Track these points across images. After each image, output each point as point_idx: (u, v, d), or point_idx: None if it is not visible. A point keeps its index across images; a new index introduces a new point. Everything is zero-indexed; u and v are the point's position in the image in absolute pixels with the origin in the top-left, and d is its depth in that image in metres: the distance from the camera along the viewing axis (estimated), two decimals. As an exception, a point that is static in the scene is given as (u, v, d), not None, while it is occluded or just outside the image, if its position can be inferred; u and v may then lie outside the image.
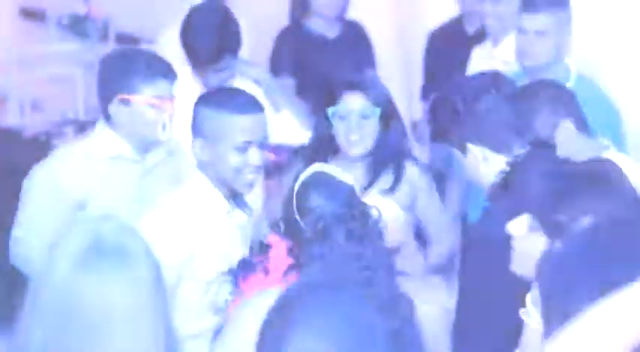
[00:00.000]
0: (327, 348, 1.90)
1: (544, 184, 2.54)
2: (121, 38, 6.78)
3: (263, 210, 4.18)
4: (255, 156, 3.30)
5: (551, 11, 4.12)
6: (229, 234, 3.36)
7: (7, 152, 5.24)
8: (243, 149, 3.29)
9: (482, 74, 3.50)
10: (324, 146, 3.90)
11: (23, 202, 3.70)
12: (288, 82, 5.18)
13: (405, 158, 3.95)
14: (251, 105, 3.34)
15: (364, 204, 3.09)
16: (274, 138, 4.50)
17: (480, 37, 5.05)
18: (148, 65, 3.66)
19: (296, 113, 4.45)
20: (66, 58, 6.88)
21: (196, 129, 3.34)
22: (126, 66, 3.67)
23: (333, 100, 3.89)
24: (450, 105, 3.22)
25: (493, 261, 2.78)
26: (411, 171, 3.92)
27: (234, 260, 3.31)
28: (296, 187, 3.14)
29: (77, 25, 6.94)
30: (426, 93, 5.56)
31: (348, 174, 3.22)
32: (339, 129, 3.85)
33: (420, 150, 5.32)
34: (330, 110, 3.88)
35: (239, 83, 4.20)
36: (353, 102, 3.85)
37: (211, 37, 4.25)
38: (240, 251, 3.36)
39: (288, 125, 4.44)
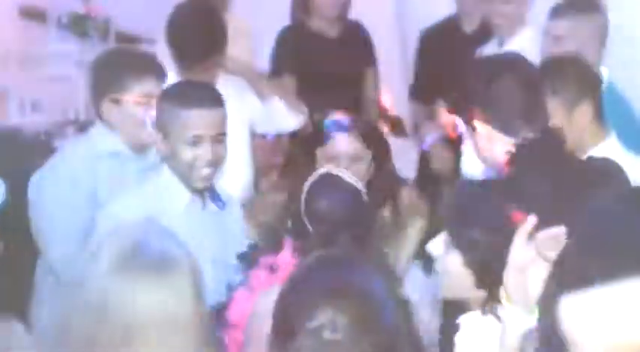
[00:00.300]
0: (345, 319, 1.94)
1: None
2: (121, 38, 6.77)
3: (250, 206, 4.15)
4: (207, 150, 3.28)
5: (571, 17, 4.03)
6: (196, 225, 3.33)
7: (7, 152, 5.23)
8: (193, 143, 3.27)
9: (502, 55, 3.44)
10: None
11: (44, 202, 3.66)
12: (289, 81, 5.18)
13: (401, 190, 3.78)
14: (202, 99, 3.30)
15: (370, 208, 3.09)
16: (265, 128, 4.52)
17: (479, 36, 5.04)
18: (137, 64, 3.69)
19: (286, 104, 4.46)
20: (66, 58, 6.87)
21: (157, 124, 3.36)
22: (115, 65, 3.71)
23: (321, 140, 3.67)
24: (466, 83, 3.16)
25: None
26: (408, 196, 3.85)
27: (202, 251, 3.31)
28: (304, 189, 3.14)
29: (77, 25, 6.92)
30: (417, 93, 5.54)
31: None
32: None
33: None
34: (317, 151, 3.66)
35: (224, 78, 4.21)
36: (343, 144, 3.63)
37: (196, 36, 4.25)
38: (210, 242, 3.35)
39: (278, 113, 4.44)
